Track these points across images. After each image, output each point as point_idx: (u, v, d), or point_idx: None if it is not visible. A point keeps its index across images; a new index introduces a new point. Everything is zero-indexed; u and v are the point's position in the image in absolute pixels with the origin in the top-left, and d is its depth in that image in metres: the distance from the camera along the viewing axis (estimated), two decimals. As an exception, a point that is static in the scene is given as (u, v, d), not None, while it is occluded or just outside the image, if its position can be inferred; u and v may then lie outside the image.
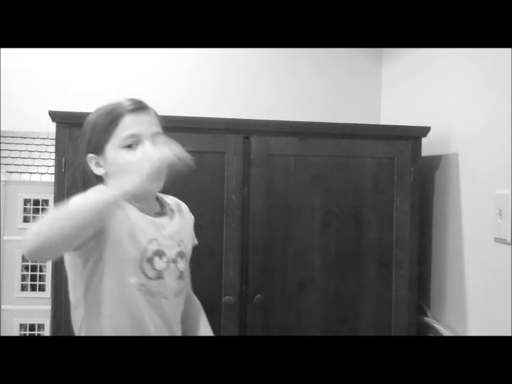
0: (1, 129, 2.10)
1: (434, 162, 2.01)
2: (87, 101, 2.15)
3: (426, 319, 1.99)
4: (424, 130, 1.91)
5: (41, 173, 2.10)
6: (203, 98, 2.33)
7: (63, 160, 1.71)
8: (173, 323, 1.32)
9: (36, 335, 2.08)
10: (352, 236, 1.88)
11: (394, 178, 1.89)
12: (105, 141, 1.26)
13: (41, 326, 2.08)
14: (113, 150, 1.26)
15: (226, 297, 1.79)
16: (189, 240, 1.40)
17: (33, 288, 2.09)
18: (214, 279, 1.79)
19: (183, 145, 1.76)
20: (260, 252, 1.82)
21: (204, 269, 1.76)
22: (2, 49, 2.12)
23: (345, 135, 1.89)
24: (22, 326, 2.08)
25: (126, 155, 1.25)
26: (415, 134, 1.91)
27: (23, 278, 2.09)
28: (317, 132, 1.88)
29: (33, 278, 2.10)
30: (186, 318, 1.41)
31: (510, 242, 1.57)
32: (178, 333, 1.35)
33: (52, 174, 2.00)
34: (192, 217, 1.45)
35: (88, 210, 1.09)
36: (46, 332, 2.07)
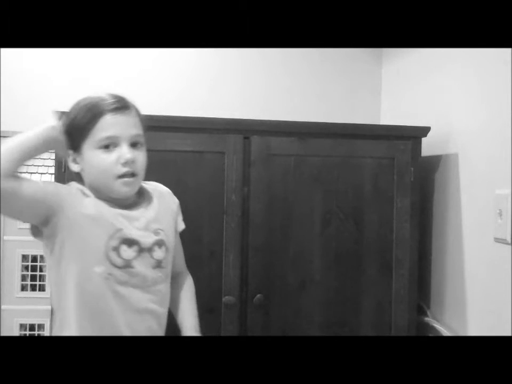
0: (1, 129, 2.09)
1: (434, 162, 2.01)
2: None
3: (426, 319, 1.99)
4: (424, 130, 1.91)
5: (41, 173, 2.11)
6: (203, 98, 2.33)
7: (63, 160, 1.71)
8: (150, 313, 1.30)
9: (36, 335, 2.08)
10: (352, 236, 1.88)
11: (394, 178, 1.89)
12: (82, 138, 1.25)
13: (41, 326, 2.08)
14: (89, 149, 1.25)
15: (226, 297, 1.79)
16: (170, 227, 1.39)
17: (33, 288, 2.10)
18: (214, 279, 1.79)
19: (183, 145, 1.78)
20: (260, 252, 1.82)
21: (204, 269, 1.77)
22: (3, 49, 2.12)
23: (345, 135, 1.89)
24: (22, 326, 2.08)
25: (102, 156, 1.24)
26: (415, 134, 1.91)
27: (23, 278, 2.09)
28: (317, 132, 1.88)
29: (33, 278, 2.10)
30: (174, 306, 1.42)
31: (510, 242, 1.57)
32: (161, 321, 1.33)
33: (52, 174, 2.00)
34: (177, 201, 1.45)
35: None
36: (46, 332, 2.07)
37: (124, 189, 1.26)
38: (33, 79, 2.20)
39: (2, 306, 2.05)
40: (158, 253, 1.31)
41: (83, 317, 1.25)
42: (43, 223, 1.23)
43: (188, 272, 1.53)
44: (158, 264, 1.31)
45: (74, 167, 1.29)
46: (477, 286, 1.75)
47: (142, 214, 1.31)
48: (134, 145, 1.28)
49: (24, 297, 2.08)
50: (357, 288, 1.88)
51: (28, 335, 2.08)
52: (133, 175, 1.27)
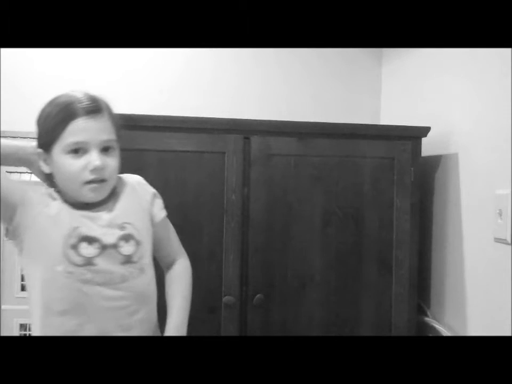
0: (1, 129, 2.09)
1: (434, 162, 2.01)
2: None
3: (426, 319, 1.99)
4: (424, 130, 1.91)
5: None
6: (204, 98, 2.33)
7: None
8: (121, 311, 1.27)
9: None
10: (352, 235, 1.88)
11: (394, 178, 1.89)
12: (52, 141, 1.24)
13: (41, 326, 2.08)
14: (58, 153, 1.24)
15: (226, 297, 1.79)
16: (142, 219, 1.35)
17: (33, 288, 2.09)
18: (214, 279, 1.79)
19: (183, 145, 1.78)
20: (260, 252, 1.82)
21: (203, 269, 1.77)
22: (3, 49, 2.12)
23: (345, 135, 1.89)
24: (22, 326, 2.08)
25: (70, 161, 1.23)
26: (415, 134, 1.91)
27: (23, 278, 2.09)
28: (317, 132, 1.88)
29: (33, 278, 2.10)
30: (167, 302, 1.40)
31: (510, 242, 1.57)
32: (139, 318, 1.29)
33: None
34: (151, 191, 1.40)
35: None
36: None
37: (90, 195, 1.26)
38: (30, 78, 2.20)
39: (2, 306, 2.05)
40: (126, 248, 1.28)
41: (47, 315, 1.25)
42: (8, 221, 1.24)
43: (183, 256, 1.46)
44: (128, 260, 1.28)
45: (45, 168, 1.29)
46: (477, 286, 1.75)
47: (106, 211, 1.29)
48: (105, 149, 1.26)
49: (24, 297, 2.07)
50: (357, 288, 1.88)
51: (28, 335, 2.08)
52: (102, 180, 1.25)
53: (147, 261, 1.33)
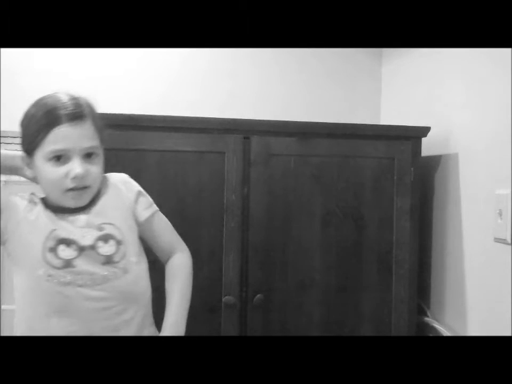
0: (1, 129, 2.09)
1: (434, 162, 2.01)
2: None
3: (426, 319, 1.99)
4: (424, 130, 1.91)
5: None
6: (204, 98, 2.33)
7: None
8: (104, 311, 1.26)
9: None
10: (352, 235, 1.88)
11: (394, 178, 1.89)
12: (34, 147, 1.24)
13: (41, 326, 2.08)
14: (40, 159, 1.24)
15: (226, 297, 1.79)
16: (124, 218, 1.33)
17: (33, 288, 2.09)
18: (214, 279, 1.79)
19: (183, 145, 1.78)
20: (260, 252, 1.82)
21: (203, 269, 1.76)
22: (2, 49, 2.12)
23: (345, 135, 1.89)
24: (22, 326, 2.07)
25: (51, 169, 1.23)
26: (415, 134, 1.91)
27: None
28: (317, 132, 1.88)
29: (33, 278, 2.09)
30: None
31: (510, 242, 1.57)
32: (125, 318, 1.28)
33: None
34: (135, 189, 1.37)
35: None
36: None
37: (72, 202, 1.26)
38: (33, 78, 2.20)
39: (2, 306, 2.05)
40: (105, 248, 1.26)
41: (32, 319, 1.27)
42: None
43: (180, 250, 1.43)
44: (108, 260, 1.26)
45: (28, 172, 1.29)
46: (477, 286, 1.75)
47: (84, 212, 1.28)
48: (88, 156, 1.25)
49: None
50: (357, 288, 1.88)
51: (27, 335, 2.07)
52: (84, 187, 1.25)
53: (133, 260, 1.31)
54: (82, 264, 1.24)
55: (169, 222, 1.43)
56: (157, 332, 1.36)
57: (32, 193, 1.31)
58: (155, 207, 1.40)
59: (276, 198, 1.84)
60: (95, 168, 1.27)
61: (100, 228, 1.28)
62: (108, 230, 1.28)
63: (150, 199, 1.40)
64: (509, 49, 1.57)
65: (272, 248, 1.83)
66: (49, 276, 1.23)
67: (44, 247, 1.24)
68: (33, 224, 1.26)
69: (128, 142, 1.76)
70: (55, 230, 1.25)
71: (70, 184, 1.23)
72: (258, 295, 1.80)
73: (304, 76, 2.41)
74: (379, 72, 2.47)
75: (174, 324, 1.33)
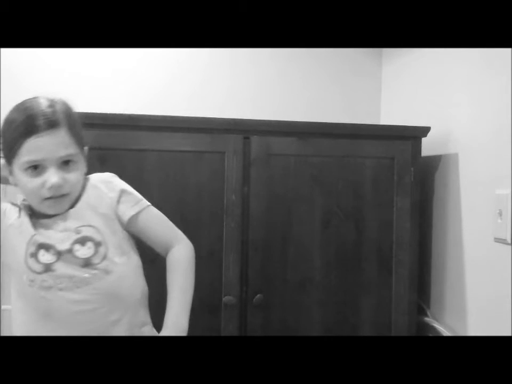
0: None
1: (434, 162, 2.01)
2: (87, 101, 2.17)
3: (426, 319, 1.99)
4: (424, 130, 1.91)
5: None
6: (204, 98, 2.33)
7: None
8: (87, 314, 1.25)
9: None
10: (352, 235, 1.88)
11: (394, 178, 1.89)
12: (11, 156, 1.24)
13: (41, 326, 2.08)
14: (17, 169, 1.24)
15: (226, 297, 1.79)
16: (103, 219, 1.30)
17: (33, 288, 2.09)
18: (214, 279, 1.79)
19: (183, 145, 1.78)
20: (260, 252, 1.82)
21: (203, 268, 1.76)
22: (3, 49, 2.12)
23: (345, 135, 1.89)
24: (22, 326, 2.07)
25: (27, 179, 1.23)
26: (415, 134, 1.91)
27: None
28: (317, 132, 1.88)
29: (33, 278, 2.09)
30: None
31: (510, 242, 1.57)
32: (112, 320, 1.27)
33: None
34: (118, 188, 1.34)
35: None
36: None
37: (50, 210, 1.27)
38: (33, 78, 2.20)
39: (2, 306, 2.05)
40: (83, 251, 1.26)
41: (23, 324, 1.29)
42: None
43: (178, 243, 1.38)
44: (87, 262, 1.25)
45: (10, 180, 1.30)
46: (477, 286, 1.75)
47: (63, 216, 1.28)
48: (65, 163, 1.24)
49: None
50: (357, 288, 1.88)
51: (28, 335, 2.07)
52: (62, 195, 1.25)
53: (115, 260, 1.29)
54: (61, 268, 1.25)
55: (163, 216, 1.39)
56: (154, 331, 1.36)
57: (24, 200, 1.32)
58: (144, 203, 1.36)
59: (276, 198, 1.84)
60: (73, 175, 1.26)
61: (77, 231, 1.27)
62: (85, 232, 1.27)
63: (138, 196, 1.36)
64: (508, 49, 1.57)
65: (272, 248, 1.83)
66: (31, 281, 1.25)
67: (26, 252, 1.26)
68: (19, 230, 1.28)
69: (128, 142, 1.76)
70: (35, 235, 1.26)
71: (47, 194, 1.23)
72: (258, 295, 1.80)
73: (304, 76, 2.41)
74: (379, 72, 2.47)
75: (175, 321, 1.30)
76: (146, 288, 1.38)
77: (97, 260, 1.27)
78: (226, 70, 2.36)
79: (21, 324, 1.29)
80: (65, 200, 1.26)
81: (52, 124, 1.22)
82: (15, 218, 1.29)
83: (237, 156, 1.80)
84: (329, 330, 1.86)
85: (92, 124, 1.72)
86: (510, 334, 1.54)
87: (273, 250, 1.83)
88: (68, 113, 1.27)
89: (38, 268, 1.25)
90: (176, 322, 1.30)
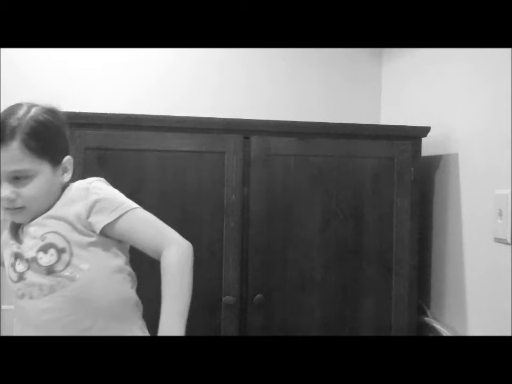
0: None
1: (434, 162, 2.01)
2: (87, 101, 2.18)
3: (426, 319, 1.99)
4: (424, 130, 1.91)
5: None
6: (204, 98, 2.33)
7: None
8: (55, 322, 1.23)
9: (36, 335, 2.08)
10: (352, 235, 1.88)
11: (394, 178, 1.89)
12: None
13: (41, 326, 2.08)
14: None
15: (226, 297, 1.79)
16: (71, 225, 1.25)
17: (33, 288, 2.09)
18: (214, 279, 1.79)
19: (183, 145, 1.78)
20: (260, 252, 1.82)
21: (204, 269, 1.76)
22: (3, 49, 2.12)
23: (345, 135, 1.89)
24: (22, 326, 2.07)
25: None
26: (415, 134, 1.91)
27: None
28: (317, 132, 1.88)
29: (33, 278, 2.09)
30: None
31: (510, 242, 1.57)
32: (82, 327, 1.24)
33: None
34: (93, 197, 1.26)
35: None
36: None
37: (14, 219, 1.29)
38: (33, 78, 2.20)
39: (2, 306, 2.05)
40: (45, 259, 1.23)
41: (18, 333, 1.33)
42: None
43: (168, 246, 1.27)
44: (50, 270, 1.23)
45: None
46: (477, 286, 1.75)
47: (33, 224, 1.28)
48: (17, 178, 1.23)
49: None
50: (357, 288, 1.88)
51: (27, 335, 2.07)
52: (18, 208, 1.25)
53: (81, 267, 1.24)
54: (31, 276, 1.25)
55: (151, 219, 1.30)
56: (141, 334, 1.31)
57: None
58: (125, 208, 1.28)
59: (276, 198, 1.84)
60: (27, 190, 1.23)
61: (42, 238, 1.25)
62: (49, 239, 1.24)
63: (117, 201, 1.28)
64: (508, 49, 1.57)
65: (272, 248, 1.83)
66: (11, 289, 1.28)
67: (8, 263, 1.29)
68: (5, 242, 1.32)
69: (128, 142, 1.76)
70: (12, 245, 1.29)
71: (4, 205, 1.25)
72: (258, 295, 1.80)
73: (304, 75, 2.41)
74: (379, 72, 2.47)
75: (167, 331, 1.21)
76: (131, 295, 1.31)
77: (61, 266, 1.23)
78: (216, 69, 2.35)
79: (19, 332, 1.32)
80: (22, 213, 1.26)
81: (5, 138, 1.20)
82: (6, 233, 1.33)
83: (237, 156, 1.80)
84: (329, 330, 1.86)
85: (92, 124, 1.73)
86: (510, 334, 1.54)
87: (273, 250, 1.83)
88: (29, 125, 1.23)
89: (14, 277, 1.27)
90: (169, 332, 1.21)
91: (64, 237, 1.24)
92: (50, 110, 1.29)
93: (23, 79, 2.18)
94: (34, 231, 1.27)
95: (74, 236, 1.25)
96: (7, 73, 2.14)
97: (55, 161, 1.28)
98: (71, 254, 1.24)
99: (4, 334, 2.04)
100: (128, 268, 1.33)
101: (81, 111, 1.69)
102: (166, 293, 1.23)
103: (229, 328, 1.79)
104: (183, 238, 1.30)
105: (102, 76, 2.26)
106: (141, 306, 1.35)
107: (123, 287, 1.30)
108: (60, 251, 1.24)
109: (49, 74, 2.22)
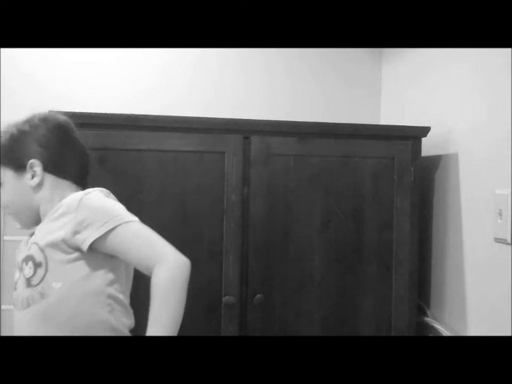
0: (1, 129, 2.09)
1: (434, 162, 2.01)
2: (87, 101, 2.18)
3: (426, 319, 1.99)
4: (424, 130, 1.91)
5: None
6: (204, 98, 2.33)
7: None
8: (37, 334, 1.19)
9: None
10: (352, 235, 1.88)
11: (394, 178, 1.89)
12: None
13: (41, 326, 2.07)
14: None
15: (226, 297, 1.79)
16: (53, 239, 1.21)
17: (33, 288, 2.09)
18: (214, 279, 1.79)
19: (183, 145, 1.78)
20: (260, 252, 1.82)
21: (203, 269, 1.76)
22: (3, 49, 2.12)
23: (345, 135, 1.89)
24: (22, 326, 2.07)
25: None
26: (415, 134, 1.91)
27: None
28: (317, 132, 1.88)
29: (33, 278, 2.09)
30: None
31: (510, 242, 1.57)
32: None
33: None
34: (83, 214, 1.20)
35: None
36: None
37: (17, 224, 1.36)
38: (33, 78, 2.20)
39: (2, 307, 2.05)
40: (26, 271, 1.23)
41: None
42: None
43: (160, 261, 1.18)
44: (28, 283, 1.22)
45: None
46: (477, 286, 1.75)
47: (34, 231, 1.30)
48: None
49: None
50: (357, 288, 1.88)
51: (27, 335, 2.07)
52: (12, 213, 1.33)
53: (53, 285, 1.20)
54: (19, 286, 1.26)
55: (145, 233, 1.22)
56: None
57: None
58: (116, 221, 1.20)
59: (276, 198, 1.84)
60: (2, 197, 1.31)
61: (29, 248, 1.25)
62: (31, 250, 1.23)
63: (109, 215, 1.21)
64: (508, 49, 1.57)
65: (272, 248, 1.83)
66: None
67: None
68: (19, 248, 1.34)
69: (128, 142, 1.76)
70: (20, 251, 1.31)
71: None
72: (258, 295, 1.80)
73: (304, 76, 2.41)
74: (379, 72, 2.46)
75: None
76: (106, 319, 1.23)
77: (36, 281, 1.21)
78: (216, 69, 2.35)
79: None
80: (17, 218, 1.34)
81: None
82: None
83: (237, 156, 1.80)
84: (329, 330, 1.86)
85: (92, 124, 1.73)
86: (510, 334, 1.54)
87: (273, 250, 1.83)
88: (6, 133, 1.33)
89: (14, 284, 1.28)
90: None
91: (43, 251, 1.21)
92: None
93: (23, 79, 2.18)
94: (28, 240, 1.29)
95: (53, 252, 1.21)
96: (7, 73, 2.15)
97: (17, 167, 1.31)
98: (46, 270, 1.21)
99: (4, 334, 2.04)
100: (110, 290, 1.24)
101: (81, 111, 1.69)
102: (151, 315, 1.16)
103: (229, 328, 1.79)
104: (179, 254, 1.20)
105: (102, 76, 2.26)
106: (123, 331, 1.26)
107: (97, 310, 1.22)
108: (37, 265, 1.21)
109: (49, 75, 2.22)
